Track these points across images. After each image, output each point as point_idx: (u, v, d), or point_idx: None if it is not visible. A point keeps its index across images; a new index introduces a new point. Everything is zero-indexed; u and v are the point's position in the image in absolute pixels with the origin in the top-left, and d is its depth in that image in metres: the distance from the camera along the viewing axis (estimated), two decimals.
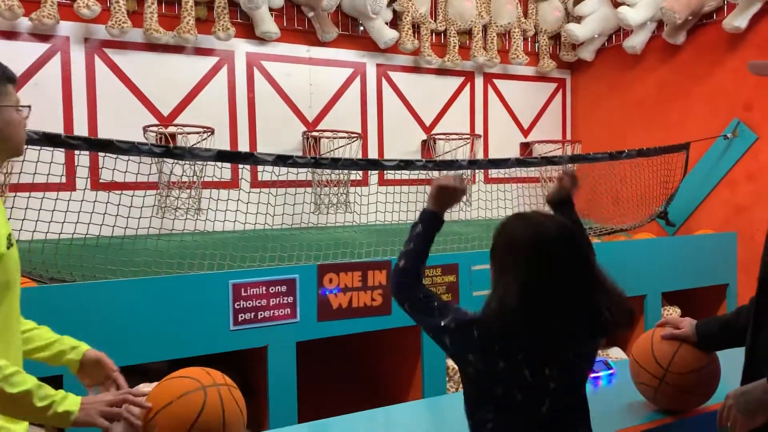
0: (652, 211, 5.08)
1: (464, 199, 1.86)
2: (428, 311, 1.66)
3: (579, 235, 1.65)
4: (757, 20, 4.80)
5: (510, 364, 1.55)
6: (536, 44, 6.26)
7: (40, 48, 4.21)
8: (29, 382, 1.54)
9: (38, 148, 3.01)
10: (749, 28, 4.81)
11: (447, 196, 1.80)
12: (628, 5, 5.50)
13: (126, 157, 3.28)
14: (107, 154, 3.22)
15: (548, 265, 1.53)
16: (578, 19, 6.02)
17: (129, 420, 1.62)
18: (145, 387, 1.81)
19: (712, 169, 5.22)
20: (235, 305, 3.15)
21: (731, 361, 1.98)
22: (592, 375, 2.43)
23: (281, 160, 3.56)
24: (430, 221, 1.78)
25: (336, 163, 3.84)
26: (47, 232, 3.18)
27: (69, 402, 1.58)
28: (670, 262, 4.54)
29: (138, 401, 1.66)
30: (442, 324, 1.61)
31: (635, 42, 5.61)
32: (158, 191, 4.23)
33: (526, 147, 6.19)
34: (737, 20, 4.81)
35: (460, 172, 1.94)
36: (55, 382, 1.76)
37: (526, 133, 6.29)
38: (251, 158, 3.52)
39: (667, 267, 4.53)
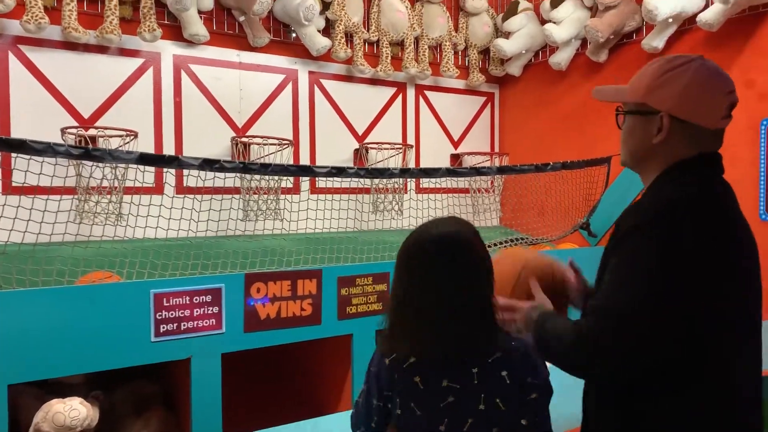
0: (575, 222, 5.25)
1: None
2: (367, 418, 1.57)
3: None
4: (673, 41, 5.05)
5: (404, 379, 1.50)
6: (466, 58, 6.38)
7: None
8: None
9: None
10: (666, 48, 5.06)
11: None
12: (554, 23, 5.70)
13: (41, 159, 3.09)
14: (20, 155, 3.03)
15: (421, 266, 1.50)
16: (507, 35, 6.18)
17: None
18: None
19: (632, 183, 5.39)
20: (157, 316, 3.03)
21: None
22: None
23: (208, 164, 3.45)
24: None
25: (266, 169, 3.76)
26: None
27: None
28: (591, 272, 4.68)
29: None
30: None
31: (560, 58, 5.81)
32: (76, 196, 4.03)
33: (456, 158, 6.28)
34: (655, 41, 5.05)
35: None
36: None
37: (456, 144, 6.39)
38: (176, 162, 3.38)
39: (589, 276, 4.65)
